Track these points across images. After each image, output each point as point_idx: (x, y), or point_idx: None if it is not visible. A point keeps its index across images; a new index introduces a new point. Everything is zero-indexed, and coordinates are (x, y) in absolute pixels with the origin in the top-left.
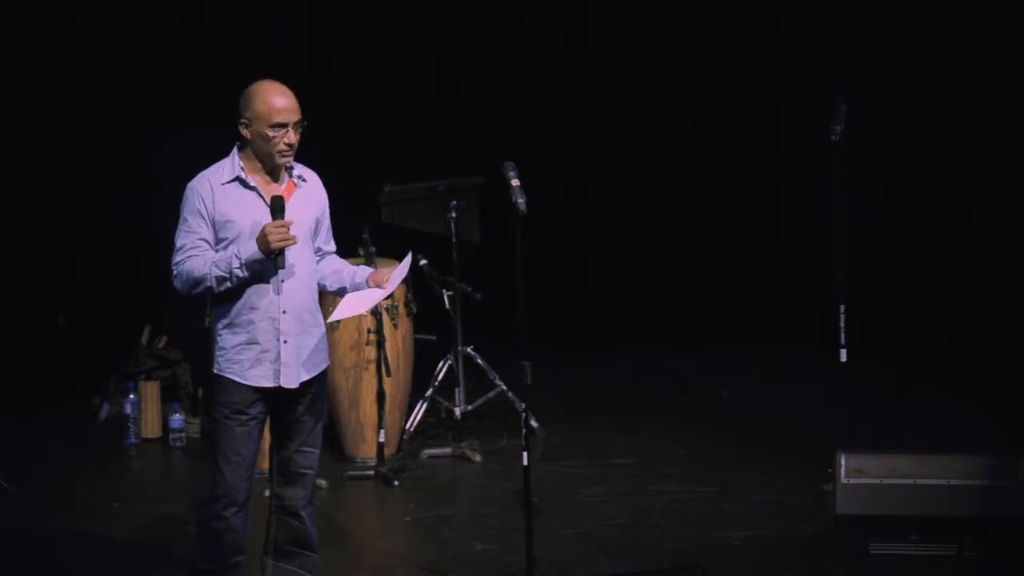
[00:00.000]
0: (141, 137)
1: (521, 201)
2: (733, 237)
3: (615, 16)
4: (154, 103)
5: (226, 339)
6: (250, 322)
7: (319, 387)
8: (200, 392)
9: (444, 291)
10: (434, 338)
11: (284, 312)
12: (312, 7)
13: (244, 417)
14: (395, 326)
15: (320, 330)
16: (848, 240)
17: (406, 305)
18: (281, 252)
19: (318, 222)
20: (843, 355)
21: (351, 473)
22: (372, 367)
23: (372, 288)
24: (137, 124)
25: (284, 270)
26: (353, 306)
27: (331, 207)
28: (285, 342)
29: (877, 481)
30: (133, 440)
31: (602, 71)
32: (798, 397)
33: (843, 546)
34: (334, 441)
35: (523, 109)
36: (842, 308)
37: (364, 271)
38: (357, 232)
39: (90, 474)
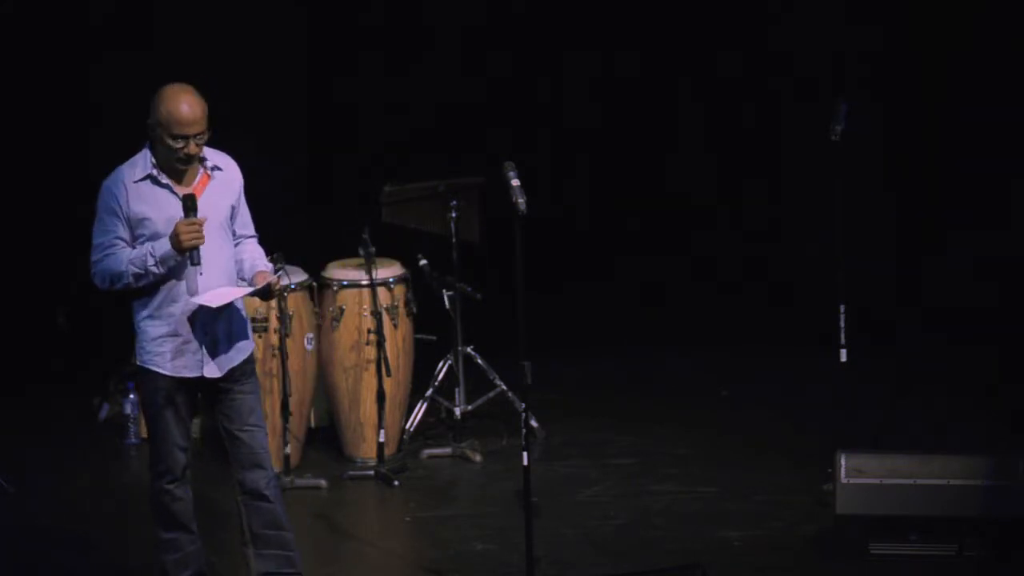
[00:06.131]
0: (138, 136)
1: (521, 201)
2: (733, 236)
3: (614, 16)
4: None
5: (148, 331)
6: (171, 314)
7: (249, 366)
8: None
9: (444, 291)
10: (434, 338)
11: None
12: (312, 7)
13: (171, 402)
14: (395, 326)
15: (241, 315)
16: (848, 240)
17: (406, 305)
18: (196, 249)
19: (233, 209)
20: (843, 355)
21: (351, 473)
22: (372, 367)
23: (243, 286)
24: (136, 124)
25: (200, 264)
26: (217, 296)
27: (331, 207)
28: (206, 332)
29: (877, 481)
30: (133, 440)
31: (602, 70)
32: (798, 397)
33: (843, 546)
34: (334, 441)
35: (524, 109)
36: (842, 308)
37: (259, 267)
38: (357, 232)
39: (90, 474)
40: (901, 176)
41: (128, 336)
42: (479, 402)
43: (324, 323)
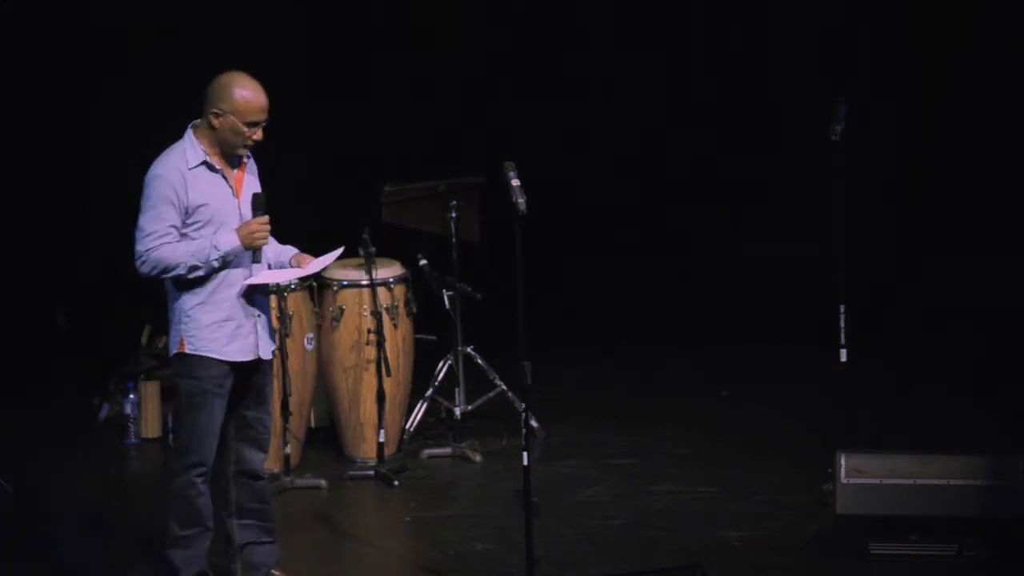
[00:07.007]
0: (137, 136)
1: (521, 201)
2: (733, 236)
3: (614, 16)
4: (153, 103)
5: (200, 318)
6: (226, 299)
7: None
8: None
9: (444, 291)
10: (434, 338)
11: (258, 288)
12: (312, 7)
13: (223, 390)
14: (395, 326)
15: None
16: (848, 240)
17: (406, 305)
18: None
19: None
20: (843, 355)
21: (351, 473)
22: (372, 367)
23: (294, 268)
24: (136, 124)
25: (262, 261)
26: (271, 276)
27: (329, 208)
28: (259, 316)
29: (877, 481)
30: (133, 440)
31: (602, 70)
32: (798, 397)
33: (843, 546)
34: (334, 441)
35: (523, 108)
36: (842, 308)
37: (289, 251)
38: (357, 232)
39: (90, 474)
40: (901, 176)
41: (129, 337)
42: (479, 402)
43: (324, 323)
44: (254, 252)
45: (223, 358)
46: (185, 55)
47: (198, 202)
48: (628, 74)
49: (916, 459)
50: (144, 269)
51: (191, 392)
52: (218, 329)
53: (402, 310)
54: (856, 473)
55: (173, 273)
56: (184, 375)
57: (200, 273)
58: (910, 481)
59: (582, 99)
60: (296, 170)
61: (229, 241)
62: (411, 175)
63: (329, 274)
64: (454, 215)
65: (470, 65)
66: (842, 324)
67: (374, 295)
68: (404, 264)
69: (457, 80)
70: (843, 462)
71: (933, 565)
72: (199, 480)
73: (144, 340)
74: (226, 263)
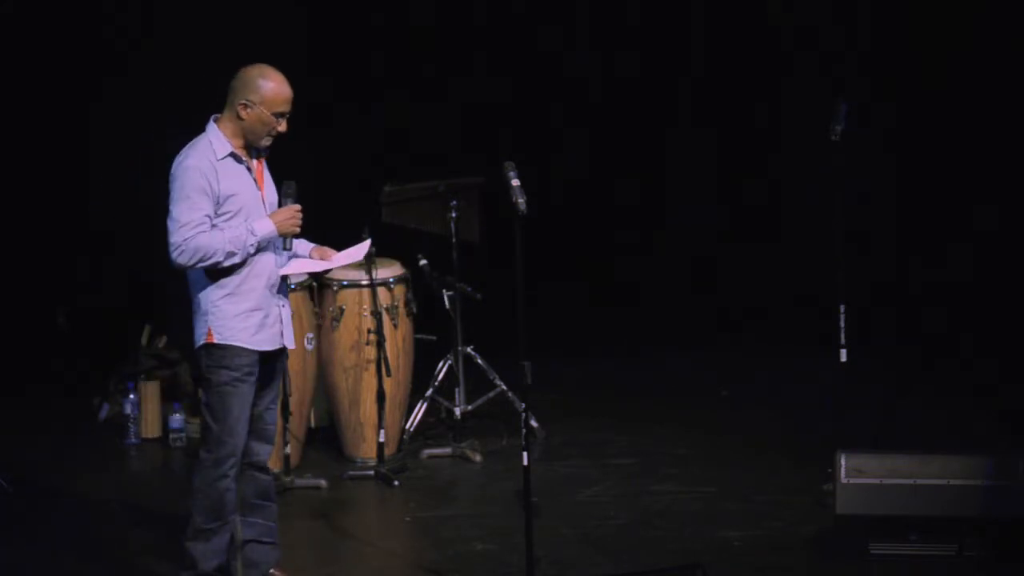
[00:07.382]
0: (138, 136)
1: (521, 201)
2: (734, 236)
3: (613, 16)
4: (153, 103)
5: (227, 309)
6: (253, 289)
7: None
8: (200, 391)
9: (444, 291)
10: (434, 338)
11: (280, 278)
12: (312, 7)
13: (252, 379)
14: (395, 326)
15: None
16: (848, 240)
17: (406, 305)
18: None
19: None
20: (843, 355)
21: (351, 473)
22: (372, 367)
23: (318, 260)
24: (135, 124)
25: (292, 248)
26: (305, 266)
27: (328, 208)
28: (283, 306)
29: (877, 481)
30: (133, 440)
31: (602, 70)
32: (798, 397)
33: (843, 546)
34: (334, 441)
35: (523, 108)
36: (842, 308)
37: (305, 245)
38: (357, 232)
39: (90, 474)
40: (901, 175)
41: (129, 337)
42: (479, 402)
43: (324, 323)
44: (284, 241)
45: (251, 347)
46: (185, 55)
47: (228, 192)
48: (626, 74)
49: (916, 459)
50: (182, 259)
51: (222, 382)
52: (246, 319)
53: (402, 310)
54: (856, 473)
55: (210, 261)
56: (214, 366)
57: (236, 260)
58: (910, 481)
59: (579, 97)
60: (295, 170)
61: (264, 227)
62: (411, 175)
63: (329, 274)
64: (454, 215)
65: (470, 65)
66: (842, 324)
67: (374, 295)
68: (404, 264)
69: (457, 80)
70: (843, 462)
71: (933, 565)
72: (232, 473)
73: (144, 340)
74: (258, 250)
